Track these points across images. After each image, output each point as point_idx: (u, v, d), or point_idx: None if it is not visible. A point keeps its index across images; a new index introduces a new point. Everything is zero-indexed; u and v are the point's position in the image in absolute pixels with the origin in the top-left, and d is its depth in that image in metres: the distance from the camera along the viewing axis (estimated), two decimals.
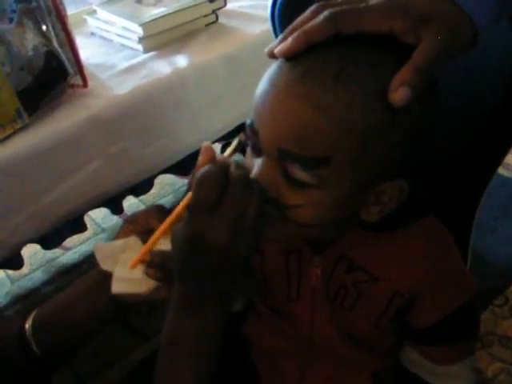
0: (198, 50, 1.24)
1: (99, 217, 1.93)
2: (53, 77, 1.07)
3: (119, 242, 0.71)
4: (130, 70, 1.20)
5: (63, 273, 1.81)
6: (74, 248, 1.82)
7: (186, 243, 0.54)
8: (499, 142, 0.77)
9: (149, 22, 1.21)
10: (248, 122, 0.59)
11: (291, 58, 0.55)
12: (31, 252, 1.75)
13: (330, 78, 0.52)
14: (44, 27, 1.03)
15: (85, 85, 1.13)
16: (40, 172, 1.07)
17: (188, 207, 0.55)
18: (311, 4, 0.76)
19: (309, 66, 0.54)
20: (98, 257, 0.72)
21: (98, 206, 1.29)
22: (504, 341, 1.53)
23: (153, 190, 1.41)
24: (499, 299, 1.64)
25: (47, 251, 1.44)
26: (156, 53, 1.25)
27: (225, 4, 1.32)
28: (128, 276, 0.69)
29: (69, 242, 1.46)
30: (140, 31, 1.21)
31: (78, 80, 1.13)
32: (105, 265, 0.72)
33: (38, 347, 0.76)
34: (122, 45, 1.30)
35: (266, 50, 0.58)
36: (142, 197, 1.55)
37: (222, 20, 1.35)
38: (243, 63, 1.26)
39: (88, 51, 1.31)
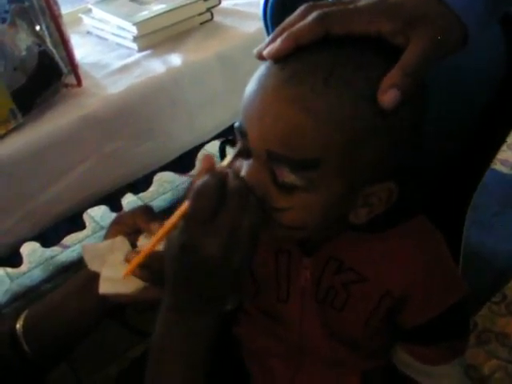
0: (192, 48, 1.24)
1: (98, 214, 1.92)
2: (47, 76, 1.07)
3: (106, 243, 0.72)
4: (125, 68, 1.21)
5: (62, 271, 1.81)
6: (73, 246, 1.82)
7: (179, 252, 0.54)
8: (490, 141, 0.77)
9: (143, 20, 1.21)
10: (236, 124, 0.59)
11: (280, 59, 0.55)
12: (30, 250, 1.75)
13: (320, 80, 0.52)
14: (37, 27, 1.03)
15: (79, 84, 1.13)
16: (35, 171, 1.07)
17: (184, 217, 0.55)
18: (302, 2, 0.77)
19: (297, 69, 0.53)
20: (86, 257, 0.72)
21: (97, 204, 1.29)
22: (501, 338, 1.53)
23: (152, 188, 1.41)
24: (496, 296, 1.64)
25: (46, 249, 1.45)
26: (150, 52, 1.25)
27: (219, 2, 1.32)
28: (115, 276, 0.69)
29: (67, 240, 1.47)
30: (134, 30, 1.21)
31: (72, 79, 1.13)
32: (93, 265, 0.72)
33: (29, 347, 0.76)
34: (118, 44, 1.30)
35: (255, 51, 0.58)
36: (141, 194, 1.56)
37: (216, 18, 1.35)
38: (238, 61, 1.26)
39: (83, 50, 1.32)
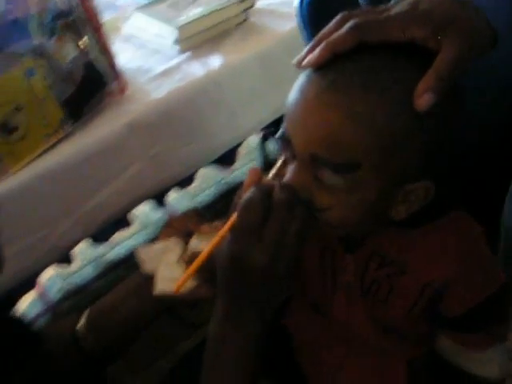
0: (230, 50, 1.27)
1: (143, 212, 1.98)
2: (92, 86, 1.12)
3: (160, 245, 0.76)
4: (166, 73, 1.23)
5: (111, 268, 1.86)
6: (121, 243, 1.85)
7: (229, 263, 0.58)
8: None
9: (184, 24, 1.24)
10: (279, 133, 0.62)
11: (319, 68, 0.58)
12: (81, 248, 1.79)
13: (357, 87, 0.55)
14: (82, 39, 1.07)
15: (123, 91, 1.17)
16: (84, 177, 1.11)
17: (231, 229, 0.58)
18: (336, 3, 0.79)
19: (336, 76, 0.56)
20: (141, 259, 0.76)
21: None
22: None
23: (194, 183, 1.43)
24: None
25: (96, 248, 1.48)
26: (190, 55, 1.27)
27: (254, 4, 1.34)
28: (170, 276, 0.73)
29: (115, 237, 1.48)
30: (176, 33, 1.24)
31: (116, 87, 1.17)
32: (147, 266, 0.76)
33: (90, 344, 0.81)
34: (158, 48, 1.34)
35: (294, 61, 0.61)
36: (185, 190, 1.58)
37: (251, 19, 1.37)
38: (275, 60, 1.28)
39: (126, 56, 1.35)
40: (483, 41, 0.57)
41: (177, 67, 1.24)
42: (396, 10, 0.58)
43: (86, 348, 0.82)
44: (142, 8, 1.38)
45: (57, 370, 0.84)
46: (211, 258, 0.62)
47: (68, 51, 1.05)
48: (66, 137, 1.09)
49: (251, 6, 1.34)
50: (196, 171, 1.33)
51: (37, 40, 1.00)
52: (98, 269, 1.93)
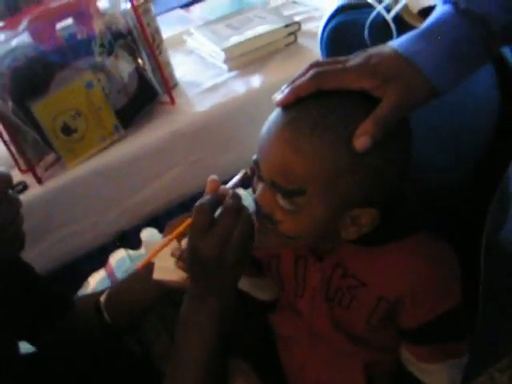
0: (273, 70, 1.39)
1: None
2: (145, 97, 1.28)
3: (161, 241, 0.91)
4: (213, 88, 1.38)
5: None
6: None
7: (189, 254, 0.72)
8: (495, 169, 0.85)
9: (230, 46, 1.38)
10: (254, 157, 0.75)
11: (285, 106, 0.70)
12: (149, 235, 1.97)
13: (308, 126, 0.66)
14: (137, 57, 1.24)
15: (172, 102, 1.33)
16: (132, 175, 1.28)
17: (189, 226, 0.72)
18: (353, 32, 0.92)
19: (294, 115, 0.68)
20: (146, 250, 0.92)
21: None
22: None
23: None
24: None
25: (161, 235, 1.61)
26: (237, 73, 1.41)
27: (299, 28, 1.45)
28: (164, 266, 0.89)
29: None
30: (223, 54, 1.39)
31: (166, 98, 1.33)
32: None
33: (109, 316, 0.98)
34: (213, 63, 1.48)
35: (272, 98, 0.73)
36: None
37: (300, 40, 1.48)
38: None
39: (184, 68, 1.51)
40: (420, 94, 0.67)
41: (223, 84, 1.38)
42: (351, 62, 0.69)
43: (105, 318, 1.00)
44: (201, 27, 1.53)
45: (81, 332, 1.01)
46: None
47: (124, 67, 1.22)
48: (118, 140, 1.26)
49: (298, 30, 1.46)
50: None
51: (98, 57, 1.18)
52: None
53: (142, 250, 2.11)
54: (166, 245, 0.77)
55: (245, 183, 0.81)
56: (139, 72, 1.25)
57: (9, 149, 1.20)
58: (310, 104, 0.68)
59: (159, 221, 1.38)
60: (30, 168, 1.18)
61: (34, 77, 1.13)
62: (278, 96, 0.71)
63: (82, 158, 1.22)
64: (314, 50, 1.43)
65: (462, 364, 0.84)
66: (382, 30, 0.96)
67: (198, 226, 0.70)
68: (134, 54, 1.24)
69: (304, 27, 1.49)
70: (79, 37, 1.17)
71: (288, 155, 0.67)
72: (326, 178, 0.67)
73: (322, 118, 0.66)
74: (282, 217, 0.72)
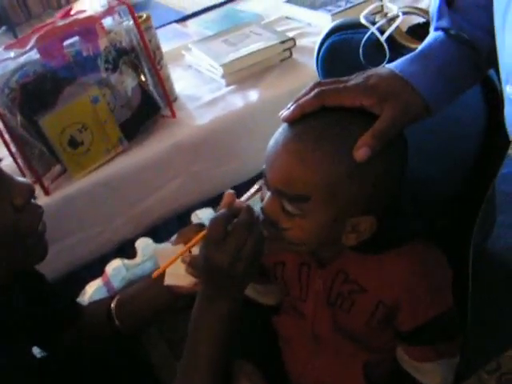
0: (269, 85, 1.45)
1: (204, 216, 2.16)
2: (147, 111, 1.34)
3: (172, 248, 0.96)
4: (212, 102, 1.43)
5: None
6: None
7: (202, 262, 0.77)
8: (486, 174, 0.92)
9: (228, 62, 1.44)
10: (263, 167, 0.80)
11: (290, 122, 0.76)
12: (144, 244, 1.98)
13: (312, 139, 0.72)
14: (141, 73, 1.29)
15: (173, 116, 1.38)
16: (135, 186, 1.33)
17: (204, 237, 0.78)
18: (348, 51, 0.98)
19: (299, 130, 0.74)
20: (158, 257, 0.97)
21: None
22: None
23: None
24: None
25: (157, 245, 1.66)
26: (235, 87, 1.47)
27: (294, 44, 1.51)
28: (176, 272, 0.93)
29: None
30: (221, 70, 1.45)
31: (168, 112, 1.38)
32: (162, 264, 0.97)
33: (119, 321, 1.03)
34: (211, 78, 1.54)
35: (279, 114, 0.79)
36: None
37: (295, 55, 1.54)
38: None
39: (184, 82, 1.57)
40: (415, 111, 0.73)
41: (221, 98, 1.44)
42: (352, 82, 0.75)
43: (115, 324, 1.04)
44: (198, 42, 1.59)
45: (94, 339, 1.06)
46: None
47: (128, 82, 1.27)
48: (123, 152, 1.32)
49: (293, 46, 1.52)
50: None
51: (103, 73, 1.23)
52: (156, 264, 2.15)
53: (138, 259, 2.16)
54: (181, 254, 0.82)
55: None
56: (142, 87, 1.31)
57: (16, 161, 1.25)
58: (314, 119, 0.74)
59: (157, 231, 1.42)
60: (38, 179, 1.23)
61: (43, 92, 1.18)
62: (285, 112, 0.76)
63: (88, 169, 1.27)
64: (308, 65, 1.49)
65: (454, 363, 0.89)
66: (375, 50, 1.02)
67: (213, 237, 0.76)
68: (137, 69, 1.29)
69: (298, 43, 1.56)
70: (85, 54, 1.22)
71: (293, 165, 0.73)
72: (328, 186, 0.72)
73: (325, 131, 0.72)
74: (287, 224, 0.77)
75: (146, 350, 1.30)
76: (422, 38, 0.96)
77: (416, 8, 0.96)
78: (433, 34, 0.76)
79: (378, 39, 1.01)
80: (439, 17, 0.76)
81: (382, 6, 1.42)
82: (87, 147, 1.25)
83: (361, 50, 1.03)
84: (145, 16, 1.35)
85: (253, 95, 1.43)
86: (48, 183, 1.26)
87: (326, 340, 0.93)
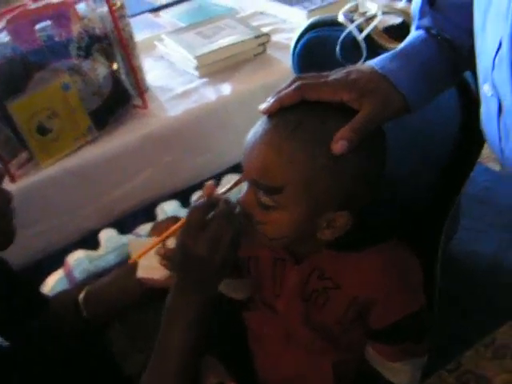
0: (242, 79, 1.44)
1: (170, 209, 2.13)
2: (119, 100, 1.32)
3: (146, 240, 0.95)
4: (185, 94, 1.42)
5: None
6: (145, 236, 2.02)
7: (178, 250, 0.76)
8: (452, 183, 0.93)
9: (202, 54, 1.43)
10: (241, 161, 0.80)
11: (269, 115, 0.76)
12: (108, 236, 1.89)
13: (289, 130, 0.72)
14: (113, 61, 1.27)
15: (145, 106, 1.37)
16: (104, 176, 1.31)
17: (181, 227, 0.77)
18: (325, 48, 0.98)
19: (277, 122, 0.74)
20: (130, 249, 0.95)
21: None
22: None
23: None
24: None
25: (121, 236, 1.63)
26: (208, 80, 1.46)
27: (269, 39, 1.51)
28: (149, 265, 0.92)
29: (141, 229, 1.59)
30: (195, 62, 1.44)
31: (139, 102, 1.36)
32: (134, 255, 0.95)
33: (87, 313, 1.01)
34: (183, 69, 1.53)
35: (258, 108, 0.78)
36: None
37: (269, 51, 1.54)
38: None
39: (155, 73, 1.55)
40: (395, 107, 0.74)
41: (194, 90, 1.43)
42: (332, 77, 0.75)
43: (83, 316, 1.02)
44: (172, 33, 1.58)
45: (60, 330, 1.04)
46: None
47: (100, 70, 1.25)
48: (92, 141, 1.29)
49: (267, 41, 1.52)
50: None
51: (75, 60, 1.21)
52: (120, 256, 2.12)
53: (101, 251, 2.13)
54: (157, 243, 0.81)
55: None
56: (114, 75, 1.29)
57: None
58: (292, 112, 0.73)
59: (122, 223, 1.40)
60: (3, 165, 1.20)
61: (12, 76, 1.15)
62: (264, 105, 0.76)
63: (56, 157, 1.24)
64: (282, 61, 1.50)
65: (422, 363, 0.90)
66: (352, 48, 1.02)
67: (191, 225, 0.75)
68: (109, 57, 1.27)
69: (272, 38, 1.56)
70: (57, 39, 1.19)
71: (268, 155, 0.72)
72: (302, 179, 0.72)
73: (302, 123, 0.72)
74: (262, 218, 0.76)
75: (109, 342, 1.29)
76: (397, 39, 0.98)
77: (395, 8, 0.97)
78: (414, 33, 0.76)
79: (354, 37, 1.02)
80: (421, 16, 0.77)
81: (357, 4, 1.43)
82: (56, 134, 1.22)
83: (338, 48, 1.03)
84: (119, 4, 1.33)
85: (226, 88, 1.42)
86: (14, 170, 1.22)
87: (298, 337, 0.93)
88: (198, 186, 1.45)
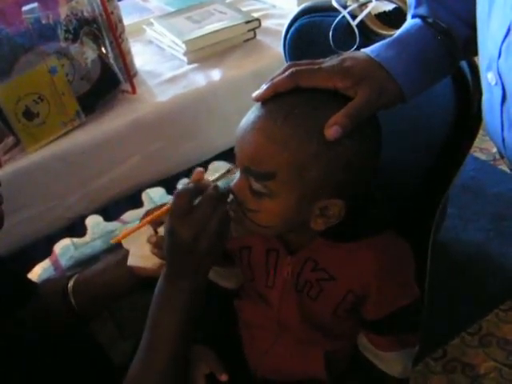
0: (232, 65, 1.43)
1: (156, 195, 2.10)
2: (107, 84, 1.29)
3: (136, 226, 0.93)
4: (174, 79, 1.41)
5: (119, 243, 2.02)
6: (132, 222, 1.96)
7: (166, 235, 0.76)
8: (444, 175, 0.93)
9: (191, 39, 1.41)
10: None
11: (263, 101, 0.75)
12: (94, 223, 1.86)
13: (281, 116, 0.71)
14: (102, 45, 1.25)
15: (133, 91, 1.35)
16: (91, 162, 1.29)
17: (168, 210, 0.76)
18: (317, 34, 0.97)
19: (270, 108, 0.73)
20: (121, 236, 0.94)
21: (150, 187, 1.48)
22: (502, 343, 1.65)
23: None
24: (505, 304, 1.76)
25: (108, 223, 1.59)
26: (197, 65, 1.44)
27: (259, 25, 1.49)
28: (140, 253, 0.91)
29: (127, 216, 1.58)
30: (184, 47, 1.42)
31: (128, 87, 1.34)
32: (126, 244, 0.94)
33: (75, 302, 1.00)
34: (172, 54, 1.51)
35: (252, 95, 0.77)
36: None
37: (259, 37, 1.53)
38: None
39: (144, 58, 1.53)
40: (390, 95, 0.73)
41: (183, 75, 1.41)
42: (327, 64, 0.74)
43: (72, 305, 1.01)
44: (161, 18, 1.55)
45: (48, 318, 1.02)
46: None
47: (88, 54, 1.23)
48: (80, 126, 1.27)
49: (258, 27, 1.50)
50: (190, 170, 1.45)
51: (63, 43, 1.19)
52: (107, 242, 2.12)
53: (87, 238, 2.11)
54: (143, 225, 0.80)
55: None
56: (102, 59, 1.27)
57: None
58: (285, 98, 0.73)
59: (108, 209, 1.40)
60: None
61: None
62: (257, 91, 0.75)
63: (43, 142, 1.22)
64: (272, 47, 1.49)
65: (414, 353, 0.91)
66: (345, 34, 1.02)
67: (178, 209, 0.74)
68: (97, 41, 1.25)
69: (262, 24, 1.54)
70: (44, 21, 1.17)
71: (260, 141, 0.72)
72: (294, 165, 0.71)
73: (296, 109, 0.71)
74: (254, 205, 0.76)
75: (95, 330, 1.28)
76: (389, 25, 0.97)
77: None
78: (410, 21, 0.76)
79: (348, 23, 1.01)
80: (417, 4, 0.76)
81: None
82: (43, 119, 1.20)
83: (331, 34, 1.02)
84: None
85: (215, 74, 1.40)
86: (0, 155, 1.20)
87: (290, 326, 0.93)
88: (185, 173, 1.47)
